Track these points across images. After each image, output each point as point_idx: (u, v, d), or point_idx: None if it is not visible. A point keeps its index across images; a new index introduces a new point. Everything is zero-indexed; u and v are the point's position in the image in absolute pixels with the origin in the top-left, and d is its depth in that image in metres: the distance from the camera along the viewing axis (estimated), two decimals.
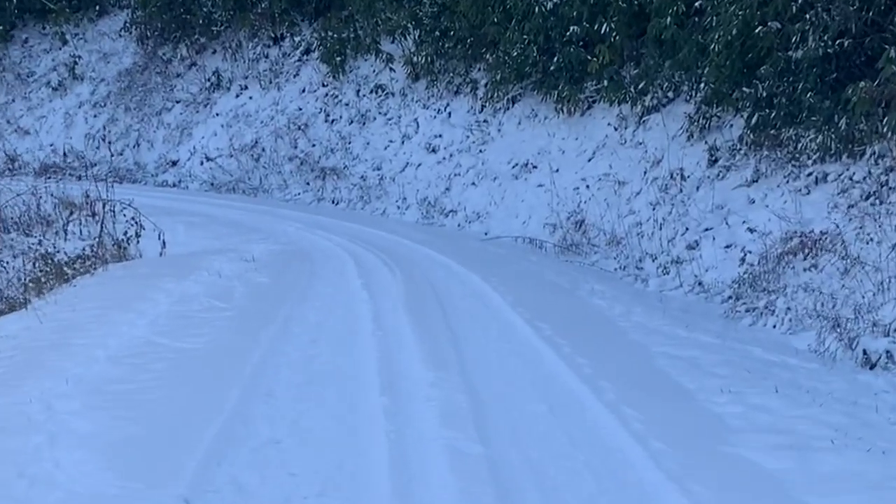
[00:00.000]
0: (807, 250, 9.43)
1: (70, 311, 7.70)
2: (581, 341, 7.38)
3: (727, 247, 11.09)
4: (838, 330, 7.89)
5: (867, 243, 8.87)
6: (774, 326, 8.90)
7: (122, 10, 26.57)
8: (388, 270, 10.73)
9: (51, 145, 24.54)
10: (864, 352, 7.51)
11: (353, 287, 9.53)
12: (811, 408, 5.98)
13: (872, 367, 7.35)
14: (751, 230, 10.55)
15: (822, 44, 10.30)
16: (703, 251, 11.33)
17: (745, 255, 10.30)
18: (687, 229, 11.91)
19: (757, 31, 11.17)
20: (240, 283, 9.11)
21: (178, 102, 23.72)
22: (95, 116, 24.84)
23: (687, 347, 7.45)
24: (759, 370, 6.93)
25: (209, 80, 23.28)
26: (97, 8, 26.85)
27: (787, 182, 10.85)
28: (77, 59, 26.28)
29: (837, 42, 10.24)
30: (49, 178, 18.68)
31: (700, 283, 10.88)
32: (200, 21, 23.77)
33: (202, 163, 21.88)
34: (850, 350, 7.66)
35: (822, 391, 6.33)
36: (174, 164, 22.57)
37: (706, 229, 11.65)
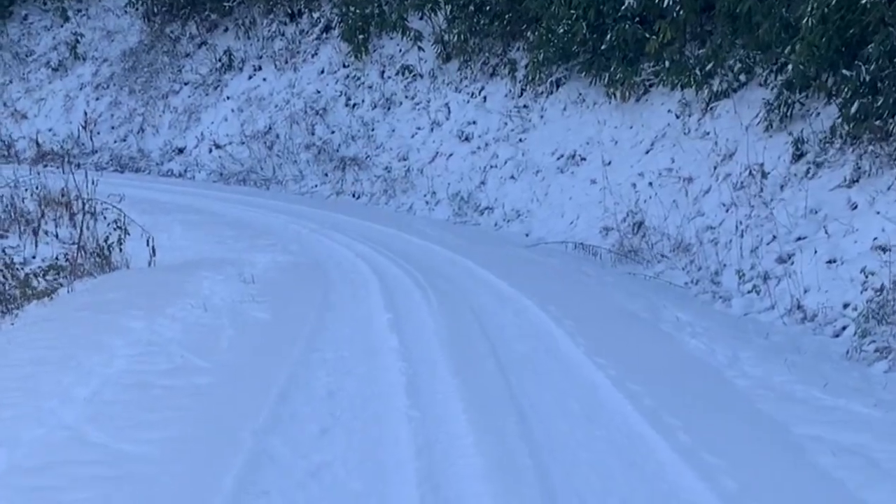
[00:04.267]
0: None
1: None
2: (697, 420, 5.27)
3: (830, 262, 9.25)
4: None
5: None
6: None
7: None
8: (422, 295, 8.57)
9: (49, 130, 22.74)
10: None
11: (379, 326, 7.36)
12: None
13: None
14: (882, 249, 8.52)
15: None
16: (799, 266, 9.51)
17: (867, 276, 8.29)
18: (774, 237, 10.19)
19: (863, 1, 9.67)
20: (230, 321, 6.96)
21: (186, 84, 21.94)
22: (97, 99, 23.10)
23: (843, 427, 5.27)
24: None
25: (220, 60, 21.50)
26: None
27: None
28: (79, 38, 24.54)
29: None
30: (46, 166, 16.78)
31: (800, 307, 9.03)
32: None
33: (210, 151, 20.07)
34: None
35: None
36: (180, 151, 20.77)
37: (799, 238, 9.92)
